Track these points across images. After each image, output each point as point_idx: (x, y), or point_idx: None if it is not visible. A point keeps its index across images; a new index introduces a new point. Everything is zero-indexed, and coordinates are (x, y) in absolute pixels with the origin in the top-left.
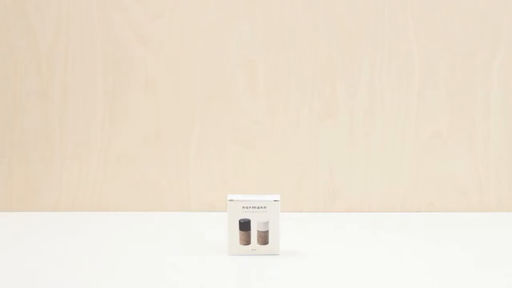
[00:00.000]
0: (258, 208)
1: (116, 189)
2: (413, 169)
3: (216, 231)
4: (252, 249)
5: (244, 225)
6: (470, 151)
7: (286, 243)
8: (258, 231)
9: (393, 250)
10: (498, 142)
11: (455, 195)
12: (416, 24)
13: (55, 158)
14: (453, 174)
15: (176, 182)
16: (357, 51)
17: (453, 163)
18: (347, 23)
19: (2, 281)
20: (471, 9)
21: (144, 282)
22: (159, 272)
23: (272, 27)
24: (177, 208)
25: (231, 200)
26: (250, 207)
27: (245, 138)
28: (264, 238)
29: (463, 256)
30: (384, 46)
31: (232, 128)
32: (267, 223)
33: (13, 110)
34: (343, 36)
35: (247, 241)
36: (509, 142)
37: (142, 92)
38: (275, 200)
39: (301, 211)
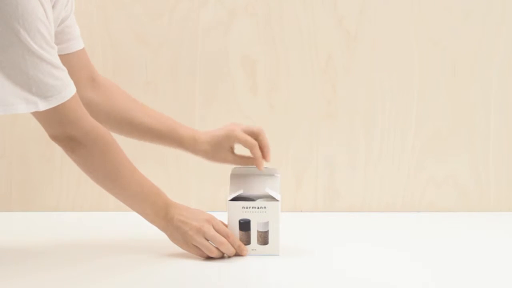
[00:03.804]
0: (258, 208)
1: None
2: (413, 169)
3: None
4: (252, 249)
5: (244, 225)
6: (470, 151)
7: (286, 243)
8: (258, 231)
9: (393, 250)
10: (498, 142)
11: (455, 195)
12: (416, 24)
13: (55, 158)
14: (453, 174)
15: (176, 182)
16: (357, 51)
17: (453, 163)
18: (347, 23)
19: (2, 281)
20: (471, 9)
21: (145, 281)
22: (159, 272)
23: (272, 27)
24: None
25: (231, 200)
26: (250, 207)
27: None
28: (264, 238)
29: (463, 256)
30: (384, 46)
31: None
32: (267, 223)
33: None
34: (343, 36)
35: (247, 241)
36: (509, 142)
37: (142, 92)
38: (275, 200)
39: (301, 211)
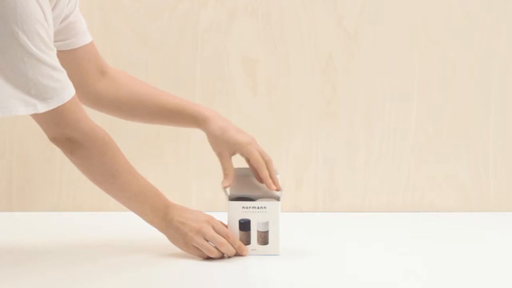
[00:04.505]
0: (258, 208)
1: None
2: (413, 169)
3: None
4: (252, 249)
5: (244, 225)
6: (470, 151)
7: (286, 243)
8: (258, 231)
9: (393, 250)
10: (498, 142)
11: (455, 195)
12: (416, 24)
13: (55, 158)
14: (453, 174)
15: (176, 182)
16: (357, 51)
17: (453, 163)
18: (347, 23)
19: (2, 281)
20: (471, 9)
21: (145, 281)
22: (159, 272)
23: (272, 27)
24: None
25: (231, 200)
26: (250, 207)
27: None
28: (264, 238)
29: (463, 256)
30: (384, 46)
31: None
32: (267, 223)
33: None
34: (343, 36)
35: (247, 241)
36: (509, 142)
37: None
38: (275, 200)
39: (301, 211)
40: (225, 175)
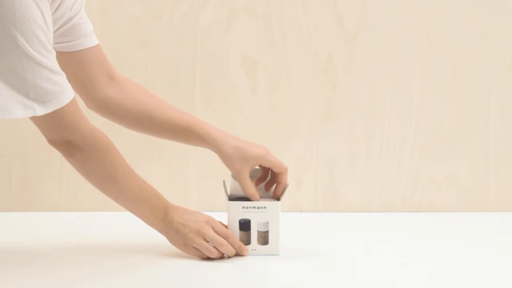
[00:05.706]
0: (258, 208)
1: None
2: (413, 169)
3: None
4: (252, 249)
5: (244, 225)
6: (470, 151)
7: (286, 243)
8: (258, 231)
9: (392, 250)
10: (498, 142)
11: (455, 195)
12: (416, 24)
13: (55, 158)
14: (453, 174)
15: (176, 182)
16: (357, 51)
17: (453, 163)
18: (347, 23)
19: (2, 281)
20: (471, 9)
21: (145, 282)
22: (159, 272)
23: (272, 27)
24: None
25: (231, 200)
26: (250, 207)
27: (245, 138)
28: (264, 238)
29: (464, 256)
30: (384, 46)
31: (231, 128)
32: (267, 223)
33: None
34: (343, 36)
35: (247, 241)
36: (509, 142)
37: None
38: (275, 200)
39: (301, 211)
40: (250, 195)
